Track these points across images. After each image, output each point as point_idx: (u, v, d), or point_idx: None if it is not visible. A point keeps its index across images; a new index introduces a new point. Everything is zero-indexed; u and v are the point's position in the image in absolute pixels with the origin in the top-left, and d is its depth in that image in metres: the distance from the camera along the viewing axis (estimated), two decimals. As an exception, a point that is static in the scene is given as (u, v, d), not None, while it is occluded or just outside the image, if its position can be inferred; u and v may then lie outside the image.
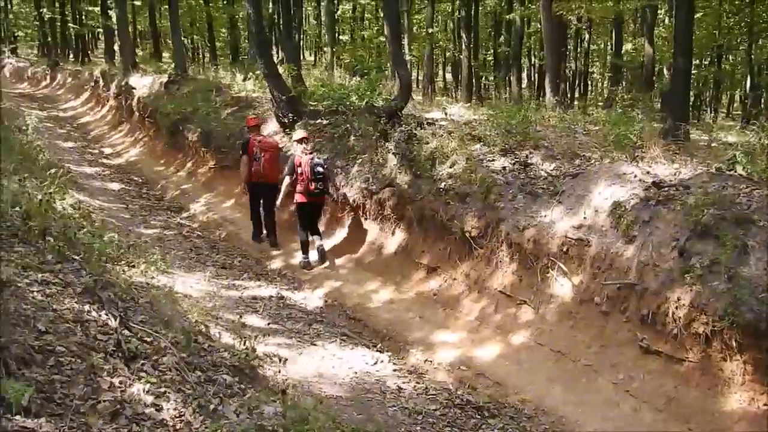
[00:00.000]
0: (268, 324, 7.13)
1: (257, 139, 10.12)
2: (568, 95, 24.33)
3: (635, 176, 6.86)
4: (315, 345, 6.78)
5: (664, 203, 6.26)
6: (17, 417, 2.47)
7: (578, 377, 6.03)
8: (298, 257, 9.36)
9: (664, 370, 5.63)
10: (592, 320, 6.32)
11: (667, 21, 23.39)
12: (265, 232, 10.20)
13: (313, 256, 9.24)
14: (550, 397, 5.92)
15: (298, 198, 9.15)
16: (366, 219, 9.40)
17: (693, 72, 14.12)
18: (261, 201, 10.05)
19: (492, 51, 31.82)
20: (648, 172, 6.94)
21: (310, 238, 9.33)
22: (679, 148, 8.27)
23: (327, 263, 9.16)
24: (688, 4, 10.42)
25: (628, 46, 25.20)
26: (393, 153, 9.20)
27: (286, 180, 9.25)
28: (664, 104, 15.84)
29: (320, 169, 8.92)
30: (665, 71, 22.44)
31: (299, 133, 9.66)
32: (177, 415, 3.04)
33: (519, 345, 6.66)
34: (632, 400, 5.60)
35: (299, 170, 9.01)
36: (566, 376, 6.10)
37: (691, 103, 16.44)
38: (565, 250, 6.78)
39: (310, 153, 9.15)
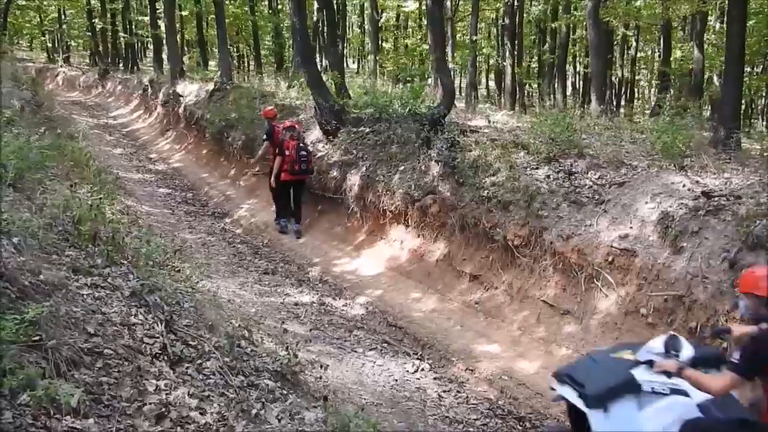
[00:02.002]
0: (310, 330, 7.17)
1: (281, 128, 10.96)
2: (614, 103, 23.97)
3: (684, 186, 6.71)
4: (356, 352, 6.79)
5: (714, 213, 6.10)
6: (67, 418, 2.52)
7: (623, 390, 5.90)
8: (334, 266, 9.43)
9: (713, 385, 5.48)
10: (637, 332, 6.18)
11: (717, 27, 22.84)
12: (292, 221, 10.96)
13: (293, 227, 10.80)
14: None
15: (284, 176, 10.52)
16: (408, 226, 9.39)
17: (744, 79, 13.74)
18: (291, 193, 10.88)
19: (536, 58, 31.51)
20: (697, 182, 6.78)
21: (292, 226, 10.84)
22: (730, 157, 8.06)
23: (302, 240, 10.61)
24: (741, 9, 10.16)
25: (676, 53, 24.70)
26: (435, 160, 9.18)
27: (265, 145, 11.27)
28: (714, 112, 15.48)
29: (304, 152, 10.46)
30: (715, 78, 21.92)
31: (287, 122, 11.09)
32: (220, 419, 3.07)
33: (562, 356, 6.55)
34: (679, 415, 5.45)
35: (287, 152, 10.37)
36: (611, 388, 5.98)
37: (742, 111, 16.02)
38: (610, 260, 6.66)
39: (297, 139, 10.56)
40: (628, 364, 4.18)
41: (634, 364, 4.14)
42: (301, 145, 10.56)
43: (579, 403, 4.13)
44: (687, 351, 3.96)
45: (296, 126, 11.02)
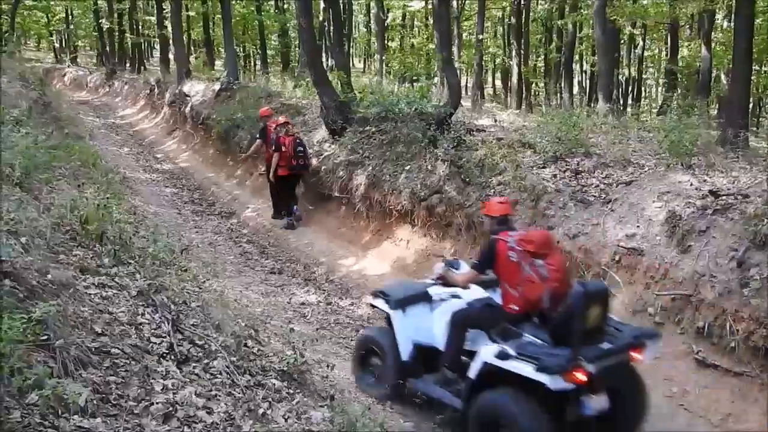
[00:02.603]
0: (316, 329, 7.18)
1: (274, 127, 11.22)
2: (621, 102, 23.88)
3: (691, 185, 6.69)
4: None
5: (722, 213, 6.08)
6: (75, 417, 2.53)
7: (630, 390, 5.88)
8: (341, 266, 9.44)
9: (721, 384, 5.45)
10: (645, 332, 6.17)
11: (725, 25, 22.73)
12: (284, 214, 11.31)
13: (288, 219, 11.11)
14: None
15: (281, 172, 10.86)
16: (414, 226, 9.39)
17: (752, 78, 13.70)
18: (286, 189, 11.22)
19: (543, 57, 31.45)
20: (705, 181, 6.76)
21: (287, 219, 11.14)
22: (738, 156, 8.02)
23: (302, 232, 10.92)
24: (749, 8, 10.11)
25: (683, 52, 24.60)
26: (442, 160, 9.17)
27: (257, 143, 11.73)
28: (722, 111, 15.42)
29: (301, 147, 10.80)
30: (723, 77, 21.83)
31: (280, 118, 11.41)
32: (227, 418, 3.07)
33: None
34: (687, 414, 5.43)
35: (283, 148, 10.70)
36: (618, 388, 5.96)
37: (750, 110, 15.94)
38: (617, 259, 6.64)
39: (292, 135, 10.89)
40: (424, 284, 5.86)
41: (428, 284, 5.76)
42: (297, 140, 10.92)
43: (385, 307, 5.74)
44: (463, 267, 5.64)
45: (289, 122, 11.43)
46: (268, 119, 11.74)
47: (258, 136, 11.82)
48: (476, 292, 5.39)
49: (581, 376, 4.26)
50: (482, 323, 5.12)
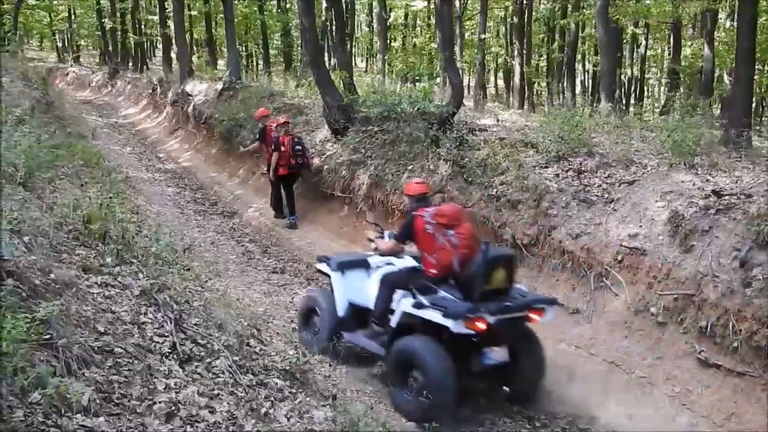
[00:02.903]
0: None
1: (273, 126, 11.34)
2: (624, 101, 23.85)
3: (694, 184, 6.68)
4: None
5: (725, 212, 6.07)
6: (78, 416, 2.53)
7: (633, 389, 5.88)
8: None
9: (724, 384, 5.45)
10: (647, 331, 6.16)
11: (728, 25, 22.69)
12: (286, 213, 11.41)
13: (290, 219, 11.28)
14: (603, 409, 5.79)
15: (281, 171, 11.02)
16: (416, 225, 9.37)
17: (755, 77, 13.62)
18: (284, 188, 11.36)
19: (545, 57, 31.42)
20: (707, 180, 6.75)
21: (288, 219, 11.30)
22: (741, 155, 8.01)
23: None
24: (751, 7, 10.10)
25: (686, 51, 24.56)
26: (444, 159, 9.17)
27: (256, 145, 11.91)
28: (725, 110, 15.39)
29: (299, 147, 10.93)
30: (725, 76, 21.77)
31: (280, 118, 11.57)
32: (229, 418, 3.08)
33: (571, 354, 6.54)
34: (690, 414, 5.43)
35: (282, 148, 10.85)
36: (620, 388, 5.96)
37: (753, 110, 15.92)
38: (619, 259, 6.63)
39: (291, 134, 11.06)
40: (364, 254, 6.80)
41: (369, 255, 6.67)
42: (295, 140, 11.09)
43: (327, 270, 6.69)
44: (388, 238, 6.52)
45: (289, 122, 11.60)
46: (267, 119, 11.86)
47: (258, 137, 11.89)
48: (408, 261, 6.34)
49: (481, 325, 5.13)
50: (407, 285, 5.88)
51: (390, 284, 6.03)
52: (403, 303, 5.70)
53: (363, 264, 6.61)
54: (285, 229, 11.10)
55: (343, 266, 6.59)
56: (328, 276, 6.67)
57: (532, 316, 5.56)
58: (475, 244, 5.73)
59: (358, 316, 6.40)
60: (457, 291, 5.55)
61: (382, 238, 6.59)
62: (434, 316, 5.32)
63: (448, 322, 5.17)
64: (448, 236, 5.68)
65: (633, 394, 5.85)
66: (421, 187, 6.31)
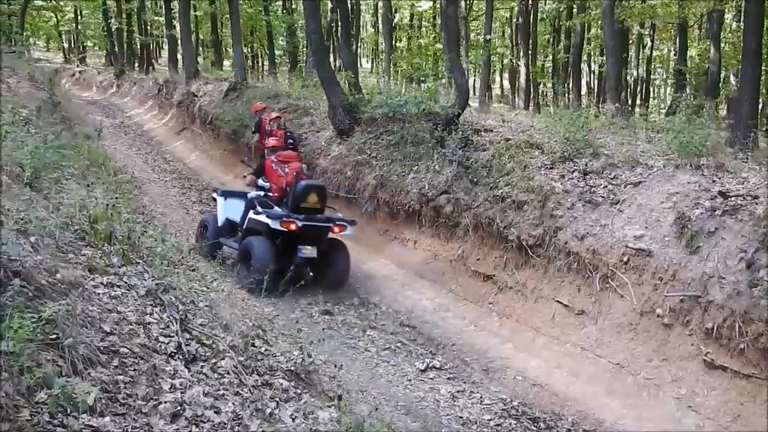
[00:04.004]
0: (324, 329, 7.18)
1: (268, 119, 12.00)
2: (630, 102, 23.78)
3: (700, 185, 6.66)
4: (369, 352, 6.80)
5: (731, 213, 6.05)
6: (83, 416, 2.54)
7: (638, 391, 5.87)
8: None
9: (730, 386, 5.43)
10: (653, 333, 6.15)
11: (734, 26, 22.60)
12: None
13: None
14: (609, 411, 5.78)
15: None
16: (421, 226, 9.39)
17: (762, 78, 13.55)
18: None
19: (551, 57, 31.37)
20: (714, 181, 6.73)
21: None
22: (747, 156, 7.99)
23: None
24: (758, 8, 10.06)
25: (692, 52, 24.49)
26: (449, 160, 9.16)
27: (255, 137, 12.47)
28: (731, 111, 15.34)
29: (291, 140, 11.38)
30: (732, 77, 21.71)
31: (273, 114, 12.26)
32: (234, 418, 3.08)
33: (576, 356, 6.53)
34: (695, 416, 5.42)
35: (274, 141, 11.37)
36: (626, 389, 5.95)
37: (759, 111, 15.83)
38: (625, 260, 6.61)
39: (283, 128, 11.61)
40: (246, 190, 9.27)
41: (250, 191, 9.01)
42: (287, 133, 11.56)
43: (215, 195, 9.64)
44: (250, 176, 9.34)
45: (281, 116, 12.25)
46: (263, 113, 12.37)
47: (254, 130, 12.41)
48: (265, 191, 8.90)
49: (292, 226, 7.89)
50: (261, 204, 8.49)
51: (248, 203, 8.73)
52: (250, 213, 8.45)
53: (241, 195, 9.23)
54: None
55: (226, 194, 9.50)
56: (215, 201, 9.54)
57: (335, 228, 8.26)
58: (298, 176, 8.59)
59: (231, 228, 9.13)
60: (285, 207, 8.32)
61: (256, 173, 9.20)
62: (263, 218, 8.07)
63: (270, 222, 7.94)
64: (284, 169, 8.73)
65: (639, 395, 5.84)
66: (276, 141, 9.80)
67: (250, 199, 8.69)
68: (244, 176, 9.49)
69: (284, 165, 8.71)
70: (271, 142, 9.66)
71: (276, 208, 8.31)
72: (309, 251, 8.11)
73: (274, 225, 7.85)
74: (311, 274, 8.27)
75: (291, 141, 11.44)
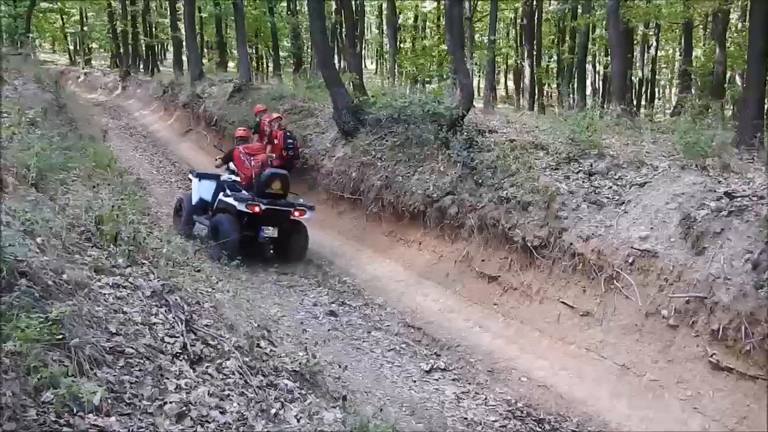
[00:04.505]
0: (328, 331, 7.19)
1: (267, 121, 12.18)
2: (635, 103, 23.72)
3: (705, 186, 6.63)
4: (374, 353, 6.80)
5: (737, 214, 6.03)
6: (90, 415, 2.55)
7: (644, 392, 5.85)
8: (353, 267, 9.52)
9: (736, 388, 5.40)
10: (658, 334, 6.12)
11: (740, 26, 22.53)
12: None
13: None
14: (614, 413, 5.76)
15: (273, 162, 11.58)
16: (426, 227, 9.38)
17: None
18: None
19: (555, 58, 31.31)
20: (719, 182, 6.71)
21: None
22: (753, 157, 7.96)
23: None
24: (763, 7, 10.01)
25: (698, 52, 24.41)
26: (454, 161, 9.16)
27: (255, 137, 12.58)
28: (737, 112, 15.27)
29: (291, 140, 11.68)
30: (737, 77, 21.63)
31: (274, 114, 12.46)
32: (239, 418, 3.09)
33: (581, 357, 6.51)
34: (701, 417, 5.39)
35: (275, 141, 11.60)
36: (631, 390, 5.92)
37: (765, 111, 15.80)
38: (630, 261, 6.59)
39: (283, 129, 11.77)
40: (220, 174, 10.27)
41: (223, 175, 10.11)
42: (287, 133, 11.74)
43: (191, 176, 10.68)
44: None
45: (282, 117, 12.37)
46: (263, 114, 12.45)
47: (254, 131, 12.43)
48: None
49: (256, 208, 8.94)
50: (230, 187, 9.62)
51: (219, 185, 9.87)
52: (220, 195, 9.58)
53: (215, 177, 10.26)
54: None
55: (201, 176, 10.49)
56: (191, 180, 10.64)
57: (296, 212, 9.36)
58: (264, 166, 9.66)
59: (203, 206, 10.10)
60: (252, 191, 9.35)
61: (224, 159, 10.40)
62: (231, 200, 9.19)
63: (237, 204, 9.05)
64: (250, 160, 9.94)
65: (644, 397, 5.82)
66: (243, 132, 11.06)
67: (221, 183, 9.85)
68: (216, 159, 10.76)
69: (251, 157, 9.97)
70: (239, 132, 10.97)
71: (243, 192, 9.45)
72: (271, 231, 9.23)
73: (240, 207, 8.97)
74: (272, 251, 9.58)
75: (291, 141, 11.63)
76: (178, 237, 6.63)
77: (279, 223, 9.29)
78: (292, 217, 9.39)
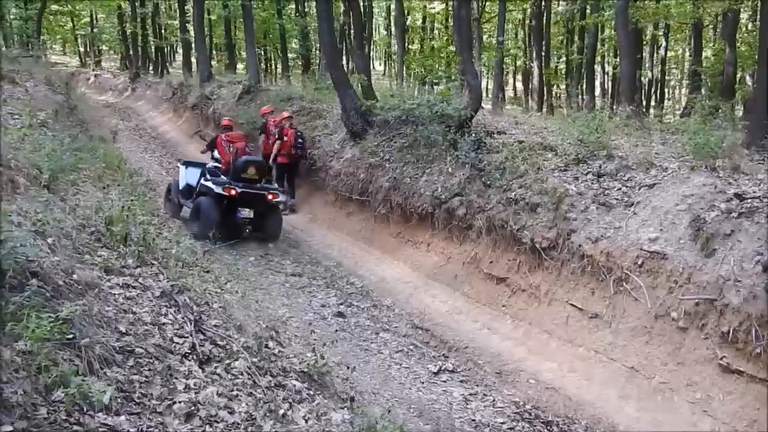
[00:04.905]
0: (336, 332, 7.20)
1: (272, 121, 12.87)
2: (644, 104, 23.61)
3: (716, 187, 6.60)
4: (382, 354, 6.80)
5: (747, 216, 6.00)
6: (99, 414, 2.57)
7: (653, 395, 5.83)
8: (361, 268, 9.51)
9: (746, 391, 5.38)
10: (668, 336, 6.10)
11: (750, 26, 22.40)
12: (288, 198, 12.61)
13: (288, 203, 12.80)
14: (623, 415, 5.74)
15: (281, 159, 12.52)
16: (434, 229, 9.38)
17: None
18: (285, 174, 12.71)
19: (564, 59, 31.21)
20: (729, 183, 6.67)
21: (287, 198, 12.53)
22: (764, 158, 7.90)
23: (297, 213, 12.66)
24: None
25: (707, 53, 24.29)
26: (462, 162, 9.15)
27: (263, 137, 13.24)
28: (747, 112, 15.18)
29: (300, 139, 12.43)
30: (748, 78, 21.50)
31: (285, 113, 13.08)
32: (248, 418, 3.10)
33: (590, 359, 6.49)
34: (711, 420, 5.37)
35: (285, 138, 12.34)
36: (640, 393, 5.90)
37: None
38: (639, 263, 6.57)
39: (294, 128, 12.50)
40: (206, 161, 11.26)
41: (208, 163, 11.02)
42: (298, 133, 12.48)
43: (179, 164, 11.96)
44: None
45: (292, 116, 13.03)
46: (269, 116, 13.05)
47: (260, 131, 13.20)
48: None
49: (232, 191, 9.80)
50: (210, 173, 10.42)
51: (202, 171, 10.67)
52: (202, 180, 10.42)
53: (200, 165, 11.14)
54: (303, 232, 11.14)
55: (187, 164, 11.53)
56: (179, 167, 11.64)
57: (269, 196, 10.12)
58: (242, 153, 10.68)
59: (189, 191, 10.88)
60: (230, 177, 10.07)
61: (208, 146, 11.35)
62: (210, 184, 10.01)
63: (215, 187, 9.90)
64: (231, 148, 10.81)
65: (653, 399, 5.80)
66: (227, 122, 11.86)
67: (203, 169, 10.76)
68: (203, 140, 11.91)
69: (231, 144, 10.90)
70: (225, 121, 11.87)
71: (222, 177, 10.22)
72: (246, 213, 10.11)
73: (218, 190, 9.85)
74: (248, 230, 10.30)
75: (301, 141, 12.34)
76: (187, 238, 6.66)
77: (254, 205, 10.13)
78: (266, 201, 10.15)
